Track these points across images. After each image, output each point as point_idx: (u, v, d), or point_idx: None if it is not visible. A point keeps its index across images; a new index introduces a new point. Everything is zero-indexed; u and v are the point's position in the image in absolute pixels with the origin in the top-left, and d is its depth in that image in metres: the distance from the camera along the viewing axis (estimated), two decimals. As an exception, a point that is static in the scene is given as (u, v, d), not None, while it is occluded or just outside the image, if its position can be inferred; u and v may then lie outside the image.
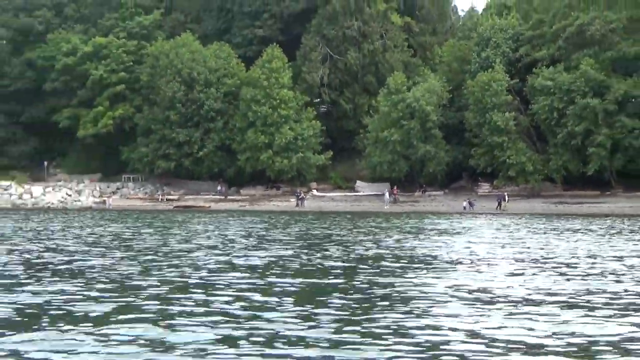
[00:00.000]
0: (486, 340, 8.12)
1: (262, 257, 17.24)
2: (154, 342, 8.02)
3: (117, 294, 11.48)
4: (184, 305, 10.33)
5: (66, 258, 17.29)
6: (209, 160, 62.41)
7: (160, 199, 60.87)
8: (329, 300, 10.77)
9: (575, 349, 7.85)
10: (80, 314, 9.77)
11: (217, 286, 12.40)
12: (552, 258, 17.26)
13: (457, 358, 7.41)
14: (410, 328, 8.75)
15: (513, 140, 54.18)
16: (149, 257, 17.35)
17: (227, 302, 10.61)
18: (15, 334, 8.55)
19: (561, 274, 14.12)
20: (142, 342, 8.09)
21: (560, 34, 54.92)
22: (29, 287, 12.52)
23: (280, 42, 63.94)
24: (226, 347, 7.82)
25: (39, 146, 72.15)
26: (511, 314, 9.65)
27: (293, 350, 7.60)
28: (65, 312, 9.96)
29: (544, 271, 14.58)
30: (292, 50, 64.07)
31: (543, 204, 50.21)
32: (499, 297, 11.13)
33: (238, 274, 14.05)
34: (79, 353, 7.63)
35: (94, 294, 11.47)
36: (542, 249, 19.89)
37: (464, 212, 47.88)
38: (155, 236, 25.23)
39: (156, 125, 63.04)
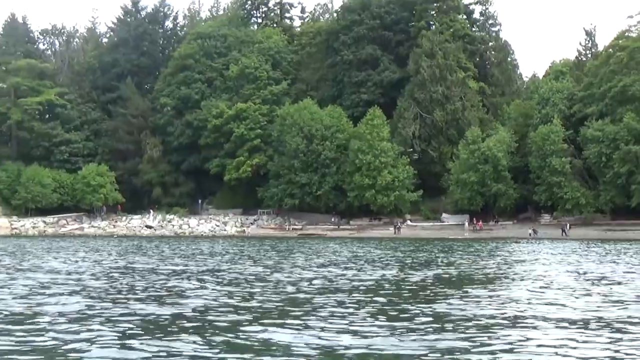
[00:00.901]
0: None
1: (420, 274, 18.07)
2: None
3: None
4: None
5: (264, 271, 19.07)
6: (325, 198, 64.54)
7: (287, 228, 63.64)
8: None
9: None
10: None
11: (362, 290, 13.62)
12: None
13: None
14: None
15: (569, 180, 55.77)
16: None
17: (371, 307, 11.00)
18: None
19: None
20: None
21: (606, 93, 56.84)
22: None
23: (381, 104, 66.53)
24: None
25: (195, 188, 75.84)
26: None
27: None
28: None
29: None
30: (390, 111, 66.24)
31: (595, 231, 52.18)
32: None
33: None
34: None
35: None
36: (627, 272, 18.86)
37: (529, 238, 49.64)
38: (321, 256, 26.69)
39: (284, 170, 65.81)
